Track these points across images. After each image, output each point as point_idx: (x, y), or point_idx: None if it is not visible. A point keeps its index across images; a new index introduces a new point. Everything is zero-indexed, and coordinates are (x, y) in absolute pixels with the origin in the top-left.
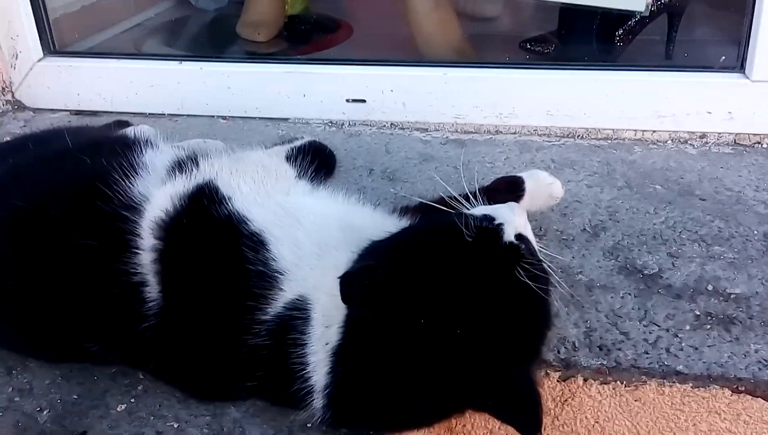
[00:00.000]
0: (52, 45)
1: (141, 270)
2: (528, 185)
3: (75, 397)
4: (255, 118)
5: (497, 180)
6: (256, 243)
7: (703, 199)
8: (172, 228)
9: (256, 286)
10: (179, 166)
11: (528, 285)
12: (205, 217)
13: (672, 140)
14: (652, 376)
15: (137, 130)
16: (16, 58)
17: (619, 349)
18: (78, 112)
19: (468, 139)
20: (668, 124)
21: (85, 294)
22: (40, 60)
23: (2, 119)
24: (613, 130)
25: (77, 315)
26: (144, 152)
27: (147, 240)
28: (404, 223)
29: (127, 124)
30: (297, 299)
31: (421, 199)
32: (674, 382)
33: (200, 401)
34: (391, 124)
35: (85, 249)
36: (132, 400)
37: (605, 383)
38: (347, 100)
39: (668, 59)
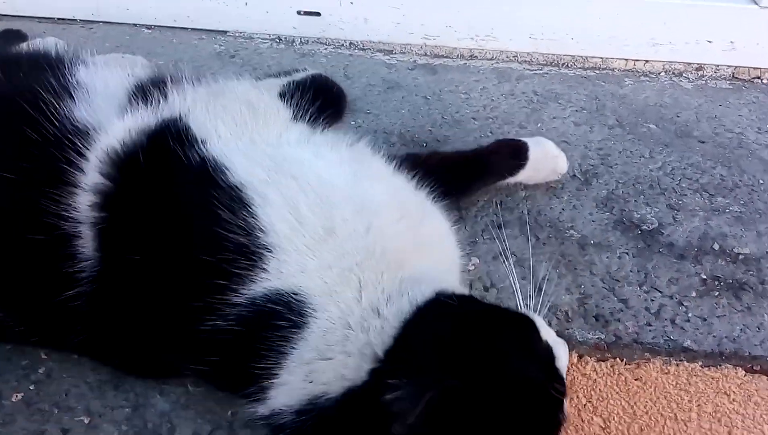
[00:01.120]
0: None
1: (76, 215)
2: (532, 154)
3: None
4: (186, 28)
5: (497, 143)
6: (235, 200)
7: (702, 142)
8: (125, 168)
9: (230, 260)
10: (142, 94)
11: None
12: (170, 161)
13: (666, 72)
14: (656, 353)
15: (45, 42)
16: None
17: (618, 320)
18: None
19: (439, 64)
20: (663, 53)
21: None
22: None
23: None
24: (602, 58)
25: None
26: (75, 70)
27: (90, 176)
28: (424, 196)
29: (21, 35)
30: (287, 293)
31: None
32: (682, 360)
33: (137, 378)
34: (351, 43)
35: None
36: (31, 387)
37: (602, 360)
38: (298, 12)
39: None
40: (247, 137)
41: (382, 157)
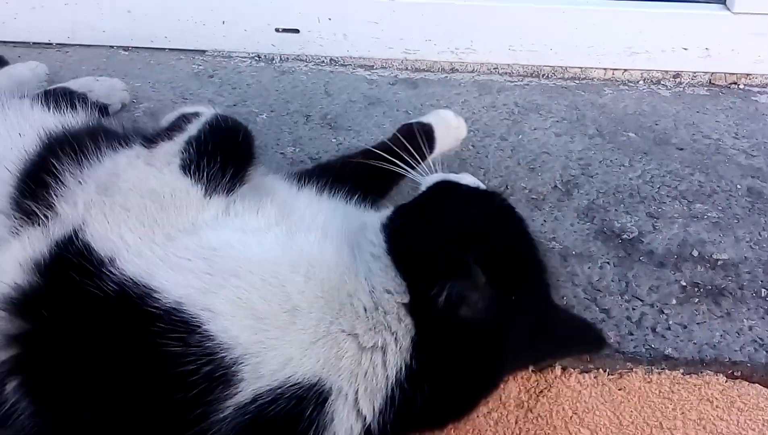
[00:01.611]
0: None
1: None
2: (438, 133)
3: None
4: (164, 49)
5: (403, 135)
6: (178, 326)
7: (681, 149)
8: (30, 316)
9: (203, 392)
10: (26, 205)
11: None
12: (80, 300)
13: (644, 80)
14: (638, 362)
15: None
16: None
17: (600, 330)
18: None
19: (420, 78)
20: (641, 61)
21: None
22: None
23: None
24: (581, 68)
25: None
26: None
27: None
28: (371, 216)
29: (2, 60)
30: (285, 387)
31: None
32: (663, 368)
33: None
34: (331, 59)
35: None
36: None
37: (586, 372)
38: (277, 30)
39: None
40: (161, 235)
41: (293, 185)
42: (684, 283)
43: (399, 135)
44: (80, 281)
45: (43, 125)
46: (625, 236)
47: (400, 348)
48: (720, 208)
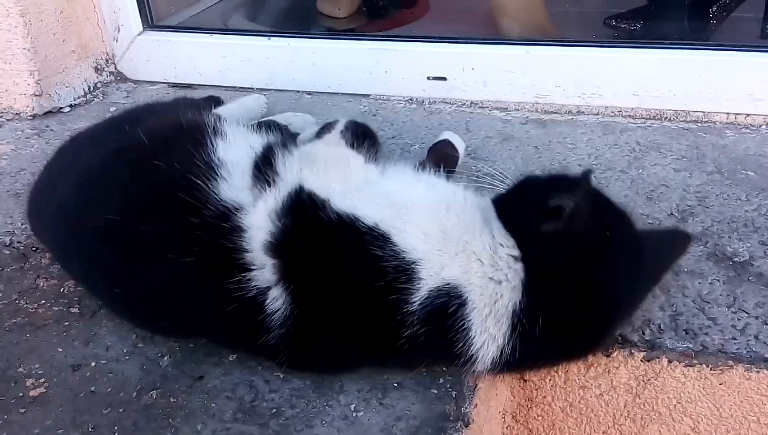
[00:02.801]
0: (150, 19)
1: (256, 288)
2: (459, 149)
3: (191, 346)
4: (338, 93)
5: (433, 149)
6: (378, 238)
7: None
8: (286, 243)
9: (395, 279)
10: (263, 175)
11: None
12: (316, 225)
13: (766, 125)
14: (739, 361)
15: (217, 113)
16: (119, 31)
17: (706, 334)
18: (175, 85)
19: (549, 119)
20: (763, 107)
21: (191, 306)
22: (140, 34)
23: (106, 89)
24: (703, 112)
25: (187, 319)
26: (215, 147)
27: (259, 258)
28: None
29: (219, 100)
30: (443, 287)
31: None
32: (762, 368)
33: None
34: (471, 102)
35: (185, 266)
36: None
37: (690, 366)
38: (428, 78)
39: (764, 38)
40: (353, 186)
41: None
42: None
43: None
44: (312, 214)
45: (260, 142)
46: (736, 259)
47: (514, 287)
48: None
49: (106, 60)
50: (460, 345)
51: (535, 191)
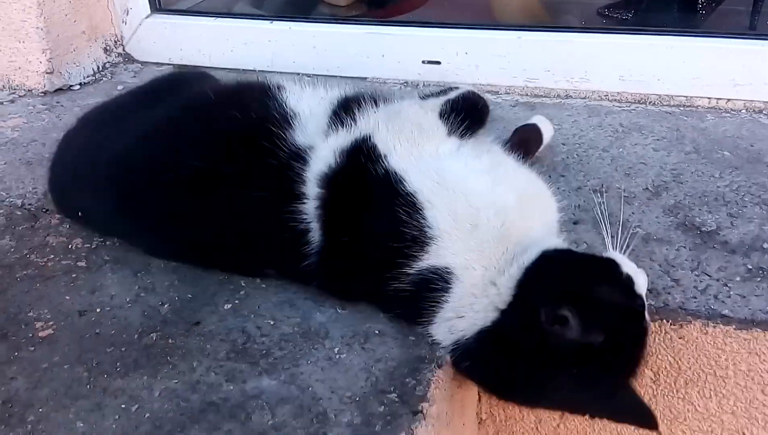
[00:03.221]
0: (158, 3)
1: (307, 218)
2: (545, 135)
3: (189, 296)
4: (336, 76)
5: (520, 131)
6: (410, 205)
7: None
8: (334, 180)
9: (408, 246)
10: (338, 117)
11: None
12: (363, 173)
13: (746, 109)
14: (697, 317)
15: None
16: (127, 14)
17: (669, 294)
18: (181, 66)
19: (538, 102)
20: (744, 93)
21: (260, 238)
22: (147, 17)
23: (115, 69)
24: (686, 97)
25: (255, 253)
26: (285, 99)
27: (312, 189)
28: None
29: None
30: (442, 268)
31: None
32: (718, 323)
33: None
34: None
35: (258, 200)
36: (236, 301)
37: (652, 321)
38: (423, 62)
39: (752, 29)
40: (417, 152)
41: (507, 153)
42: (750, 267)
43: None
44: (365, 163)
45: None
46: (704, 229)
47: (488, 312)
48: None
49: (115, 41)
50: (425, 319)
51: (570, 275)
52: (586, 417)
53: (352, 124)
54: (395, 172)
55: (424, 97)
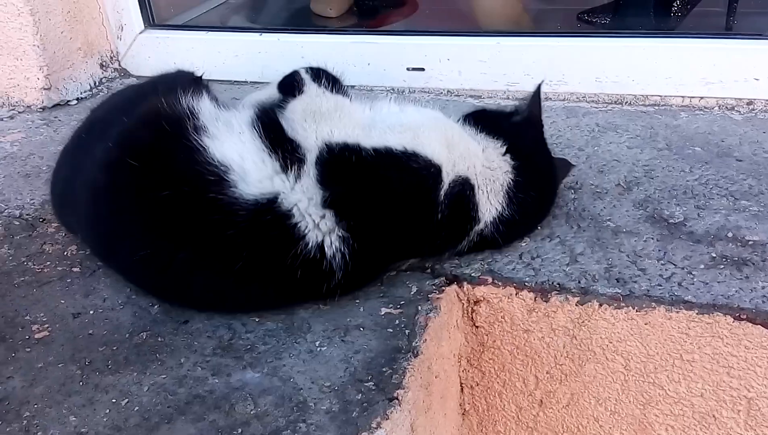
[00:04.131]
0: (151, 18)
1: (314, 242)
2: None
3: None
4: None
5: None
6: (411, 156)
7: (740, 160)
8: (343, 195)
9: (427, 179)
10: (280, 151)
11: None
12: (362, 165)
13: (719, 106)
14: (661, 302)
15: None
16: (122, 30)
17: (635, 282)
18: None
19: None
20: (716, 90)
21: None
22: (141, 32)
23: (111, 84)
24: (660, 96)
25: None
26: (207, 150)
27: (309, 221)
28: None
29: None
30: (457, 179)
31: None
32: (681, 308)
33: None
34: (448, 90)
35: (241, 272)
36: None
37: (618, 308)
38: (408, 69)
39: (728, 30)
40: (363, 125)
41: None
42: (714, 255)
43: None
44: (355, 160)
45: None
46: (671, 221)
47: (506, 171)
48: (763, 204)
49: (111, 57)
50: (473, 214)
51: (493, 112)
52: (566, 405)
53: (301, 150)
54: (379, 147)
55: (287, 95)
